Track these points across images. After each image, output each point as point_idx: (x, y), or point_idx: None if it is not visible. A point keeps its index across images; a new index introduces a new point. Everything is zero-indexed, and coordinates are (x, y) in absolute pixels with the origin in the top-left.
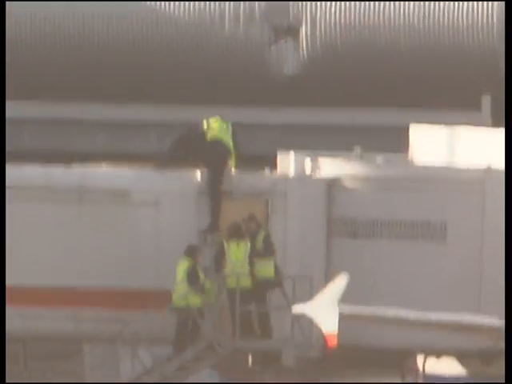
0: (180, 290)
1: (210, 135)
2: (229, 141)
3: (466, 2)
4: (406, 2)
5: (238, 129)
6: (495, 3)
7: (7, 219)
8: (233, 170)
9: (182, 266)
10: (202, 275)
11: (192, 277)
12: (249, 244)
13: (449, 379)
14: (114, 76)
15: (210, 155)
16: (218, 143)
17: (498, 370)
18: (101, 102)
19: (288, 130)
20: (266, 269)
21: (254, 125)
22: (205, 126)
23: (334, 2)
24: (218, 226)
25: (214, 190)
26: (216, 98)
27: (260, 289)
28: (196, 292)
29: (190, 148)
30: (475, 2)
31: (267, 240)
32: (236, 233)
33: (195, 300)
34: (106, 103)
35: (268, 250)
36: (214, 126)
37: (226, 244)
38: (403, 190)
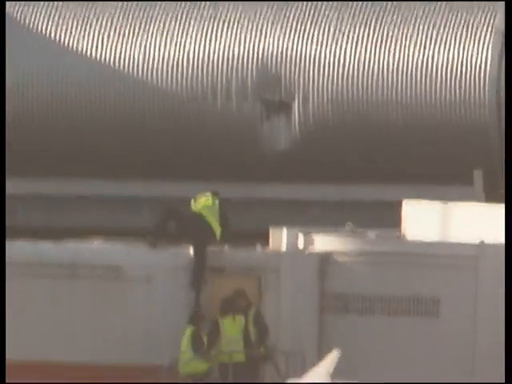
0: (185, 357)
1: (194, 210)
2: (212, 217)
3: (459, 79)
4: (399, 79)
5: (227, 205)
6: (487, 78)
7: None
8: (222, 246)
9: (186, 334)
10: (205, 341)
11: (196, 343)
12: (243, 319)
13: None
14: (105, 151)
15: (190, 230)
16: (198, 219)
17: None
18: (91, 177)
19: (280, 206)
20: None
21: (245, 200)
22: (192, 202)
23: (326, 78)
24: (200, 302)
25: (196, 265)
26: (207, 174)
27: (253, 365)
28: (201, 358)
29: (175, 223)
30: (468, 78)
31: (258, 318)
32: (230, 308)
33: (201, 366)
34: (96, 179)
35: (260, 329)
36: (200, 201)
37: (220, 321)
38: (395, 265)
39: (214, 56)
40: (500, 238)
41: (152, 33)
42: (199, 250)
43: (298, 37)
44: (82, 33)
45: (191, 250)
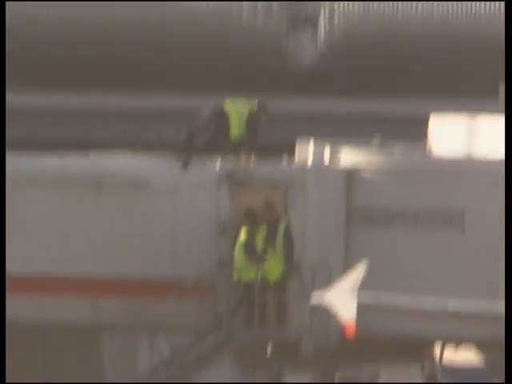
0: (237, 262)
1: (223, 109)
2: (235, 121)
3: None
4: None
5: (262, 115)
6: None
7: (25, 209)
8: (239, 154)
9: (241, 236)
10: (260, 245)
11: (249, 247)
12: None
13: (468, 369)
14: (131, 65)
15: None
16: (221, 116)
17: None
18: (118, 92)
19: (306, 120)
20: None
21: (272, 114)
22: (227, 101)
23: None
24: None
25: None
26: (234, 87)
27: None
28: (252, 264)
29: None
30: None
31: (288, 231)
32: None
33: (251, 273)
34: (123, 93)
35: (287, 242)
36: (235, 104)
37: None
38: (421, 180)
39: None
40: None
41: None
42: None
43: None
44: None
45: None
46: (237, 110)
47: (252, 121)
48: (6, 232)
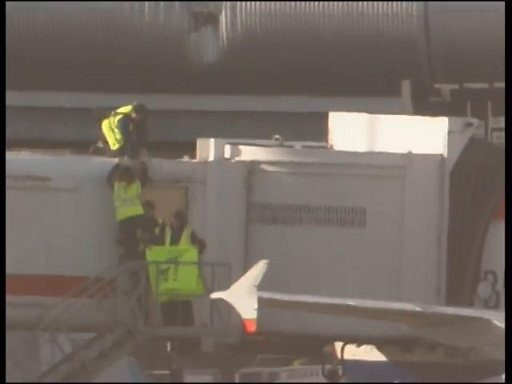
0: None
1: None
2: (108, 131)
3: None
4: None
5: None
6: None
7: None
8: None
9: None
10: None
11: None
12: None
13: (369, 366)
14: (30, 62)
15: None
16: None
17: (419, 356)
18: (20, 88)
19: (207, 117)
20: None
21: (173, 111)
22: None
23: None
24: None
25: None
26: (135, 86)
27: None
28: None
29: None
30: None
31: (194, 236)
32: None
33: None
34: (22, 90)
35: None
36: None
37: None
38: (322, 176)
39: None
40: (427, 148)
41: None
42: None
43: None
44: None
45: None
46: (105, 117)
47: (125, 121)
48: (5, 232)
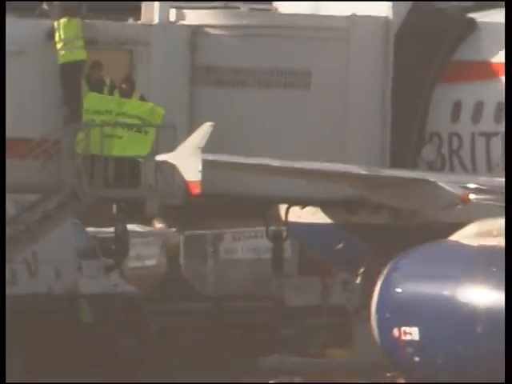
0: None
1: None
2: None
3: None
4: None
5: None
6: None
7: None
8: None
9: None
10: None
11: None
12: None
13: (313, 228)
14: None
15: None
16: None
17: (363, 219)
18: None
19: None
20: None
21: None
22: None
23: None
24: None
25: None
26: None
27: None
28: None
29: None
30: None
31: (143, 100)
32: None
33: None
34: None
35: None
36: None
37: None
38: (268, 38)
39: None
40: (372, 11)
41: None
42: None
43: None
44: None
45: None
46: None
47: None
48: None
